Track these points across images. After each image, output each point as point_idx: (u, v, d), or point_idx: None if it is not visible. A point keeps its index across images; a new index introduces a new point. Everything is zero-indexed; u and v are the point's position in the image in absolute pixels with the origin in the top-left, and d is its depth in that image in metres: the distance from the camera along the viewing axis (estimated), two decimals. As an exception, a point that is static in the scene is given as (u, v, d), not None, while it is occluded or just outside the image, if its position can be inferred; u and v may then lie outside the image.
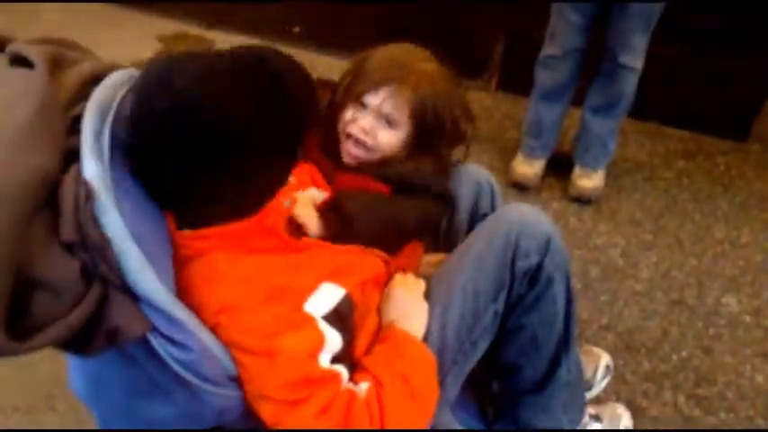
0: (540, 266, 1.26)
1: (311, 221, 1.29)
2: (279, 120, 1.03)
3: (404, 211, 1.39)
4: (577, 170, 2.64)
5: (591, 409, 1.62)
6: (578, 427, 1.50)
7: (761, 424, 1.83)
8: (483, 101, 3.20)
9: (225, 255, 1.09)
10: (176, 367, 0.98)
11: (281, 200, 1.18)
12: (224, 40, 3.60)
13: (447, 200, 1.49)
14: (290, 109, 1.05)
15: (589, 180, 2.60)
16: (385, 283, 1.33)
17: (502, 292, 1.27)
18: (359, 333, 1.22)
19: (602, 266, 2.32)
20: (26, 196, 0.82)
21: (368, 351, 1.22)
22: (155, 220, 1.04)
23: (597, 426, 1.61)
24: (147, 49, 3.53)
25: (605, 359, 1.77)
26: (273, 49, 1.09)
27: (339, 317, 1.16)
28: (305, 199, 1.31)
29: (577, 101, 2.61)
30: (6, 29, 1.10)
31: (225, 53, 1.04)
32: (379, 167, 1.41)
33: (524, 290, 1.28)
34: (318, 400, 1.05)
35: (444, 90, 1.40)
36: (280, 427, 1.05)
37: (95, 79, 1.03)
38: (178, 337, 0.96)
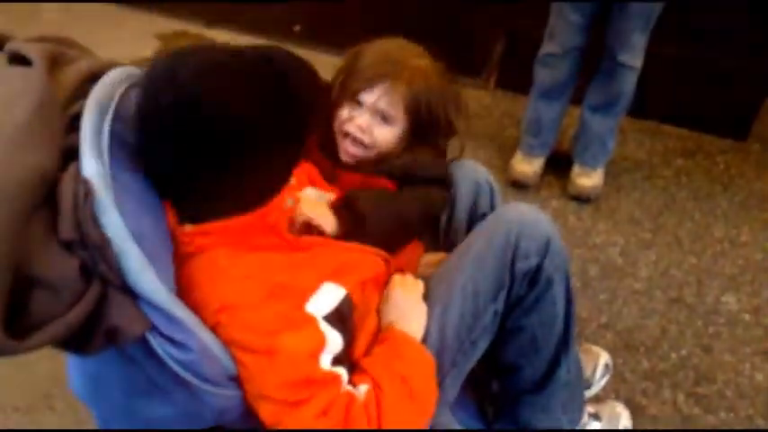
0: (539, 268, 1.26)
1: (328, 220, 1.29)
2: (282, 117, 1.03)
3: (408, 203, 1.40)
4: (576, 169, 2.64)
5: (590, 408, 1.62)
6: (578, 427, 1.50)
7: (760, 423, 1.83)
8: (482, 99, 3.20)
9: (226, 251, 1.09)
10: (175, 367, 0.98)
11: (285, 199, 1.18)
12: (223, 38, 3.58)
13: (448, 185, 1.49)
14: (294, 107, 1.05)
15: (588, 179, 2.60)
16: (385, 282, 1.33)
17: (501, 292, 1.27)
18: (358, 333, 1.22)
19: (601, 265, 2.32)
20: (25, 194, 0.82)
21: (367, 352, 1.22)
22: (155, 218, 1.04)
23: (596, 425, 1.61)
24: (147, 49, 3.52)
25: (604, 358, 1.77)
26: (281, 48, 1.09)
27: (340, 317, 1.16)
28: (312, 199, 1.31)
29: (576, 99, 2.60)
30: (5, 28, 1.10)
31: (232, 49, 1.04)
32: (378, 164, 1.42)
33: (524, 291, 1.28)
34: (318, 401, 1.04)
35: (437, 84, 1.42)
36: (279, 428, 1.05)
37: (94, 77, 1.03)
38: (177, 336, 0.96)
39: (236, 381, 1.06)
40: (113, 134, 0.97)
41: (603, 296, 2.19)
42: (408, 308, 1.28)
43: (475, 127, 3.01)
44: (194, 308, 1.03)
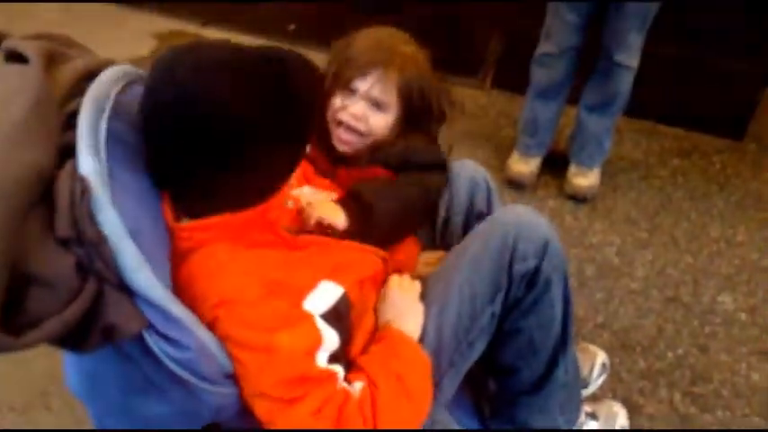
0: (537, 270, 1.26)
1: (339, 217, 1.29)
2: (282, 116, 1.03)
3: (410, 189, 1.41)
4: (573, 168, 2.64)
5: (587, 407, 1.62)
6: (575, 426, 1.50)
7: (756, 422, 1.84)
8: (478, 98, 3.20)
9: (225, 247, 1.08)
10: (172, 365, 0.97)
11: (285, 197, 1.18)
12: (220, 38, 3.59)
13: (445, 168, 1.50)
14: (295, 106, 1.05)
15: (584, 178, 2.61)
16: (383, 281, 1.33)
17: (499, 294, 1.27)
18: (355, 332, 1.22)
19: (597, 265, 2.32)
20: (21, 192, 0.81)
21: (364, 350, 1.22)
22: (152, 215, 1.04)
23: (593, 424, 1.61)
24: (144, 48, 3.52)
25: (601, 357, 1.77)
26: (285, 49, 1.09)
27: (337, 316, 1.16)
28: (320, 198, 1.31)
29: (573, 99, 2.61)
30: (2, 27, 1.10)
31: (233, 47, 1.04)
32: (373, 153, 1.43)
33: (522, 293, 1.28)
34: (313, 399, 1.04)
35: (427, 70, 1.44)
36: (274, 426, 1.05)
37: (90, 75, 1.02)
38: (174, 334, 0.96)
39: (233, 378, 1.06)
40: (110, 132, 0.97)
41: (600, 296, 2.19)
42: (405, 308, 1.28)
43: (471, 126, 3.01)
44: (192, 303, 1.03)
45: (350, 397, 1.09)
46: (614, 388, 1.88)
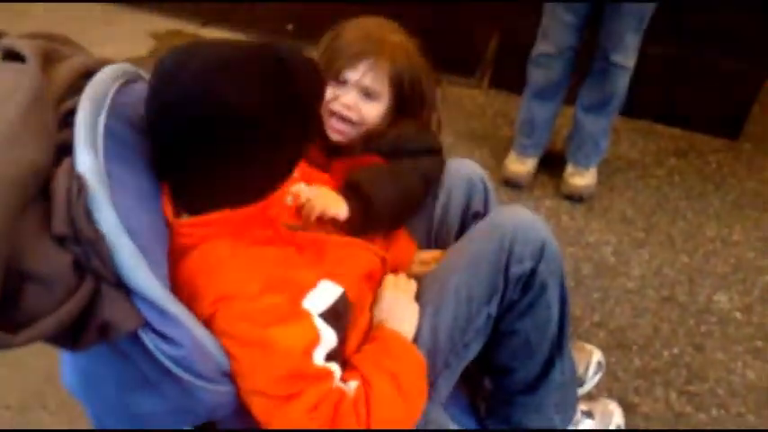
0: (534, 272, 1.26)
1: (341, 208, 1.30)
2: (284, 112, 1.04)
3: (407, 174, 1.42)
4: (570, 168, 2.65)
5: (583, 406, 1.63)
6: (570, 425, 1.50)
7: (752, 420, 1.84)
8: (476, 98, 3.21)
9: (226, 243, 1.08)
10: (167, 363, 0.97)
11: (285, 193, 1.18)
12: (218, 37, 3.59)
13: (440, 152, 1.51)
14: (297, 103, 1.05)
15: (581, 178, 2.61)
16: (379, 281, 1.34)
17: (495, 296, 1.27)
18: (350, 331, 1.22)
19: (594, 264, 2.33)
20: (17, 190, 0.81)
21: (358, 349, 1.22)
22: (151, 213, 1.03)
23: (589, 423, 1.62)
24: (142, 47, 3.52)
25: (597, 356, 1.78)
26: (285, 44, 1.09)
27: (336, 315, 1.15)
28: (321, 190, 1.31)
29: (570, 99, 2.61)
30: (-2, 26, 1.10)
31: (236, 45, 1.05)
32: (366, 142, 1.44)
33: (518, 295, 1.28)
34: (309, 396, 1.04)
35: (417, 58, 1.45)
36: (270, 423, 1.05)
37: (87, 73, 1.02)
38: (170, 332, 0.96)
39: (230, 376, 1.06)
40: (108, 130, 0.97)
41: (596, 295, 2.20)
42: (400, 308, 1.28)
43: (469, 126, 3.02)
44: (191, 299, 1.03)
45: (345, 396, 1.09)
46: (610, 387, 1.89)
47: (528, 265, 1.25)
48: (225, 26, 3.66)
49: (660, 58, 2.88)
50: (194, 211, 1.09)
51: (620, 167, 2.83)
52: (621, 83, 2.42)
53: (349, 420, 1.06)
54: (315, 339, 1.08)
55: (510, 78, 3.05)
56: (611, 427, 1.65)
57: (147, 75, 1.16)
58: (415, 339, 1.27)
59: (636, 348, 2.02)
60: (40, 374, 1.81)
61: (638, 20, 2.28)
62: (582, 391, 1.72)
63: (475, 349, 1.32)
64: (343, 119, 1.42)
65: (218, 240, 1.08)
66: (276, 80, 1.02)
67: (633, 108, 2.85)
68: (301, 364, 1.05)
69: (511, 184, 2.67)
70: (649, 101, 3.00)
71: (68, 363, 1.13)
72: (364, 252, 1.32)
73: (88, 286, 0.87)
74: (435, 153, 1.50)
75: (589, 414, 1.63)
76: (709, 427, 1.82)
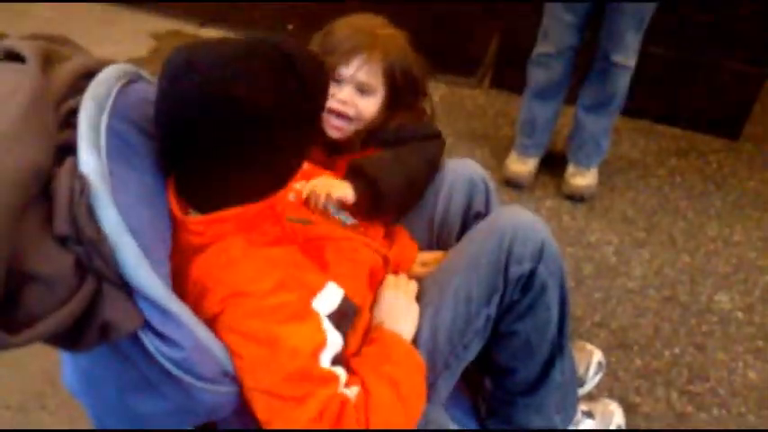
0: (533, 273, 1.26)
1: (346, 190, 1.31)
2: (296, 104, 1.04)
3: (410, 157, 1.44)
4: (571, 168, 2.65)
5: (583, 406, 1.62)
6: (571, 425, 1.50)
7: (753, 420, 1.84)
8: (476, 98, 3.21)
9: (240, 242, 1.08)
10: (167, 365, 0.97)
11: (288, 191, 1.19)
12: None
13: (440, 136, 1.53)
14: (307, 94, 1.06)
15: (582, 178, 2.61)
16: (380, 281, 1.34)
17: (494, 297, 1.27)
18: (350, 331, 1.22)
19: (595, 264, 2.32)
20: (18, 191, 0.81)
21: (357, 350, 1.21)
22: (154, 213, 1.03)
23: (589, 423, 1.62)
24: (141, 47, 3.52)
25: (597, 356, 1.78)
26: (290, 38, 1.10)
27: (341, 317, 1.15)
28: (316, 180, 1.32)
29: (571, 99, 2.61)
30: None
31: (245, 41, 1.05)
32: (367, 137, 1.46)
33: (517, 296, 1.28)
34: (315, 402, 1.03)
35: (407, 50, 1.47)
36: (270, 424, 1.04)
37: (87, 74, 1.02)
38: (171, 333, 0.96)
39: (231, 377, 1.06)
40: (110, 130, 0.97)
41: (597, 295, 2.20)
42: (400, 308, 1.28)
43: (469, 126, 3.01)
44: (202, 296, 1.04)
45: (348, 402, 1.08)
46: (611, 387, 1.89)
47: (527, 265, 1.25)
48: (224, 26, 3.66)
49: (661, 59, 2.88)
50: (204, 208, 1.09)
51: (622, 167, 2.83)
52: (622, 83, 2.42)
53: (350, 427, 1.05)
54: (323, 341, 1.08)
55: (511, 78, 3.05)
56: (611, 428, 1.65)
57: (147, 75, 1.16)
58: (415, 340, 1.27)
59: (637, 348, 2.02)
60: (41, 375, 1.81)
61: (638, 19, 2.28)
62: (582, 391, 1.72)
63: (474, 350, 1.32)
64: (340, 115, 1.43)
65: (233, 239, 1.08)
66: (285, 75, 1.02)
67: (634, 108, 2.84)
68: (309, 365, 1.05)
69: (512, 184, 2.67)
70: (650, 101, 3.00)
71: (69, 363, 1.13)
72: (366, 249, 1.32)
73: (90, 286, 0.87)
74: (435, 137, 1.52)
75: (590, 414, 1.63)
76: (710, 427, 1.82)
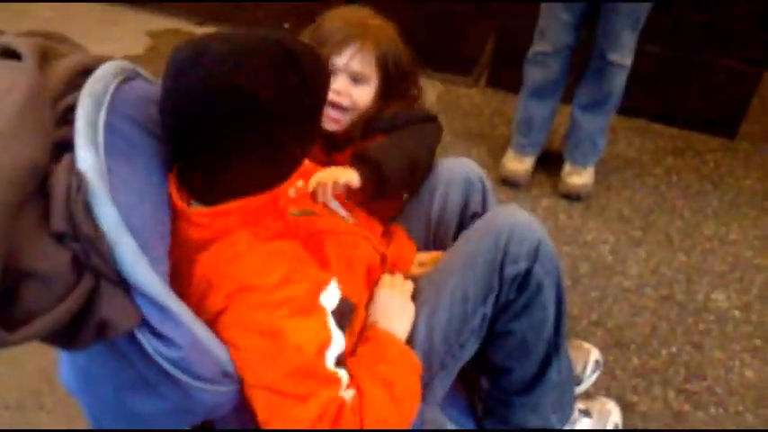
0: (529, 272, 1.26)
1: (350, 175, 1.32)
2: (299, 96, 1.05)
3: (410, 140, 1.46)
4: (567, 167, 2.65)
5: (580, 405, 1.63)
6: (567, 424, 1.50)
7: (750, 419, 1.84)
8: (473, 97, 3.21)
9: (246, 235, 1.08)
10: (165, 364, 0.97)
11: (290, 185, 1.19)
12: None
13: (436, 119, 1.56)
14: (309, 86, 1.06)
15: (579, 177, 2.61)
16: (377, 279, 1.34)
17: (490, 296, 1.27)
18: (346, 330, 1.22)
19: (591, 263, 2.33)
20: (15, 188, 0.81)
21: (352, 349, 1.20)
22: (153, 209, 1.03)
23: (586, 421, 1.62)
24: (139, 46, 3.52)
25: (595, 354, 1.78)
26: (288, 33, 1.10)
27: (340, 316, 1.15)
28: (319, 173, 1.32)
29: (567, 98, 2.61)
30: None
31: (249, 34, 1.05)
32: (364, 128, 1.47)
33: (513, 296, 1.28)
34: (317, 402, 1.02)
35: (397, 39, 1.48)
36: (270, 423, 1.04)
37: (84, 71, 1.02)
38: (168, 331, 0.95)
39: (230, 377, 1.05)
40: (108, 126, 0.97)
41: (594, 293, 2.20)
42: (395, 308, 1.28)
43: (466, 125, 3.02)
44: (207, 292, 1.04)
45: (345, 405, 1.07)
46: (608, 385, 1.89)
47: (523, 265, 1.25)
48: (222, 25, 3.66)
49: (657, 57, 2.88)
50: (207, 200, 1.09)
51: (618, 166, 2.83)
52: (618, 82, 2.43)
53: (346, 428, 1.05)
54: (328, 338, 1.07)
55: (507, 77, 3.05)
56: (608, 427, 1.65)
57: (144, 72, 1.16)
58: (411, 340, 1.27)
59: (634, 347, 2.02)
60: (38, 373, 1.81)
61: (634, 18, 2.28)
62: (579, 389, 1.72)
63: (470, 350, 1.32)
64: (336, 106, 1.43)
65: (239, 233, 1.08)
66: (287, 70, 1.03)
67: (630, 107, 2.85)
68: (314, 363, 1.04)
69: (508, 182, 2.67)
70: (646, 100, 3.01)
71: (66, 362, 1.13)
72: (366, 244, 1.32)
73: (87, 283, 0.86)
74: (431, 120, 1.54)
75: (587, 413, 1.63)
76: (707, 426, 1.82)
